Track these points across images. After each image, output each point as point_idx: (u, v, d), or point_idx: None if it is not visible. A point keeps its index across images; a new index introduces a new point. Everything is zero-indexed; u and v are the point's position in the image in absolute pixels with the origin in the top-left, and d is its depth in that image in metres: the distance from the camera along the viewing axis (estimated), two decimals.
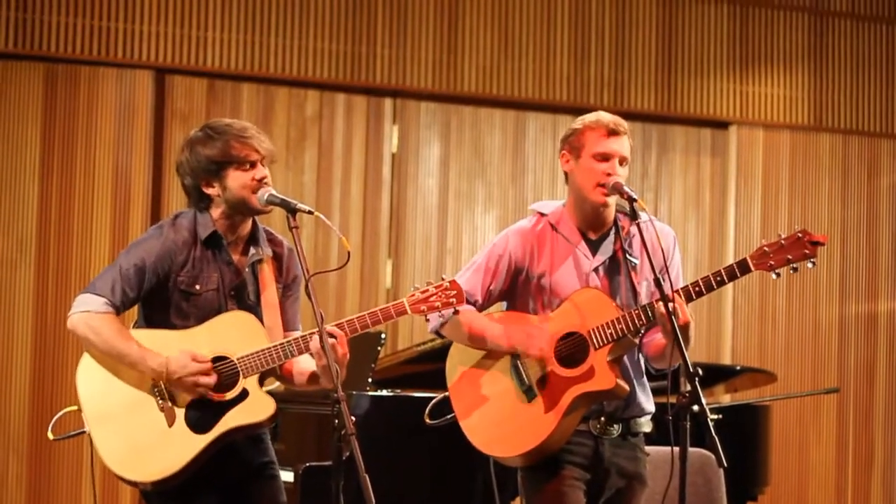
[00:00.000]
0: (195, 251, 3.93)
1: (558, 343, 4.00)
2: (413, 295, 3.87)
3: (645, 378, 4.18)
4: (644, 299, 4.04)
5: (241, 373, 3.85)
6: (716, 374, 6.94)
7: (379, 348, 5.98)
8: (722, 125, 8.80)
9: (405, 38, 8.10)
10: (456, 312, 3.96)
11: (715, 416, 6.05)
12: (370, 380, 5.88)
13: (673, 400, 3.76)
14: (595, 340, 3.96)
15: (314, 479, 5.41)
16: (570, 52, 8.42)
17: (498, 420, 4.05)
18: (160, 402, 3.83)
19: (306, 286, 3.70)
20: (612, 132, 4.06)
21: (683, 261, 4.28)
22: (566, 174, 4.14)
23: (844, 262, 8.94)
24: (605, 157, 4.04)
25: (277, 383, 4.21)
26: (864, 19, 9.02)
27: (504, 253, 4.13)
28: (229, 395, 3.84)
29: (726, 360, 8.62)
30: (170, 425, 3.82)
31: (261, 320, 3.94)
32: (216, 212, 3.95)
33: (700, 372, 3.71)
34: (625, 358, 4.06)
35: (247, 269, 3.98)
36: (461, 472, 5.58)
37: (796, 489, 8.71)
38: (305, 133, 8.03)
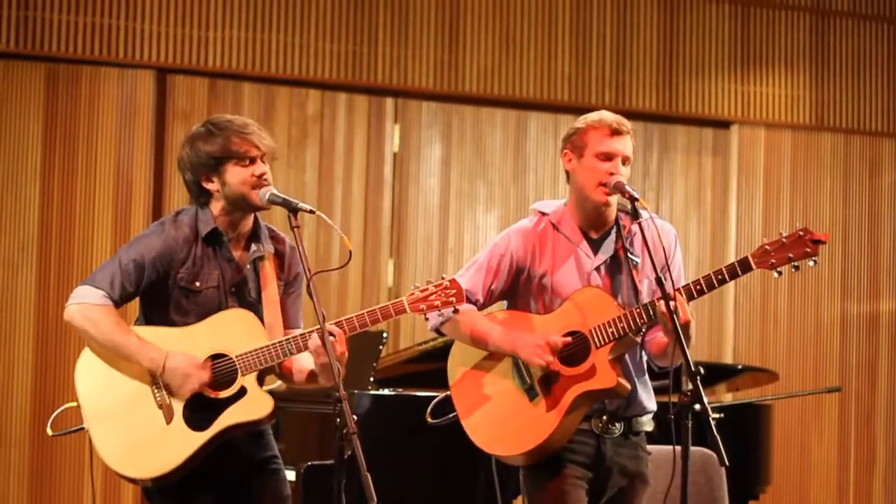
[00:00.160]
0: (196, 248, 3.93)
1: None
2: (413, 294, 3.87)
3: (646, 376, 4.18)
4: (645, 298, 4.04)
5: (239, 370, 3.85)
6: (717, 373, 6.94)
7: (380, 347, 5.98)
8: (723, 125, 8.79)
9: (407, 38, 8.11)
10: (456, 311, 3.96)
11: (716, 415, 6.05)
12: (372, 379, 5.88)
13: (675, 399, 3.76)
14: (596, 339, 3.96)
15: (316, 478, 5.41)
16: (572, 52, 8.42)
17: (500, 419, 4.06)
18: (159, 398, 3.83)
19: (308, 285, 3.70)
20: (616, 132, 4.05)
21: (685, 260, 4.28)
22: (568, 173, 4.14)
23: (846, 261, 8.94)
24: (607, 157, 4.04)
25: (279, 382, 4.21)
26: (866, 19, 9.02)
27: (506, 252, 4.13)
28: (227, 393, 3.84)
29: (728, 359, 8.62)
30: (168, 422, 3.82)
31: (261, 318, 3.94)
32: (216, 208, 3.95)
33: (701, 371, 3.71)
34: (626, 356, 4.06)
35: (248, 266, 3.98)
36: (463, 471, 5.58)
37: (798, 488, 8.71)
38: (307, 132, 8.03)
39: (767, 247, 3.90)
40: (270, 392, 3.92)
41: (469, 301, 4.10)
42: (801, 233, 3.89)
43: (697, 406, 3.68)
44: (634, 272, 4.07)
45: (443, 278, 3.89)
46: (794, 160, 8.87)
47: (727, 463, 3.66)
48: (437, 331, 4.17)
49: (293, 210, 3.82)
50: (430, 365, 5.89)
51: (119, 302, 3.87)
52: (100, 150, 7.56)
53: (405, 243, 8.19)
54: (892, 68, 9.05)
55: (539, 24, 8.35)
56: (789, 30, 8.85)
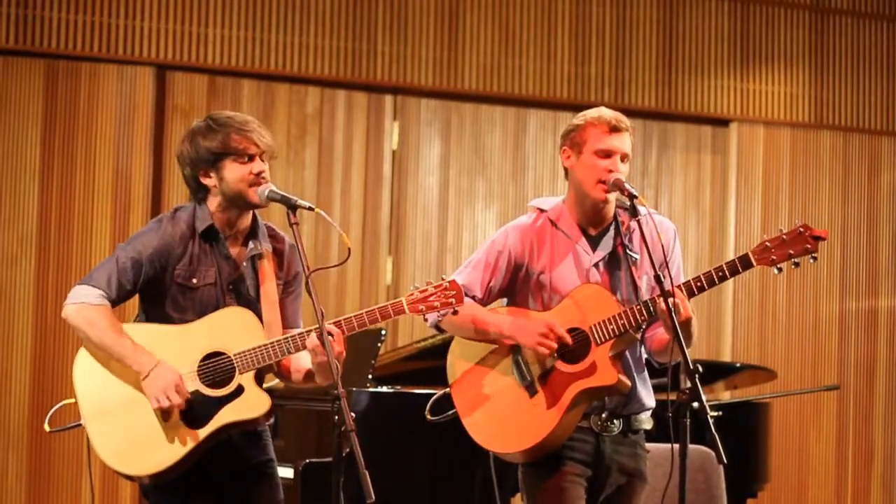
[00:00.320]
0: (193, 245, 3.93)
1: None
2: (412, 294, 3.86)
3: (646, 373, 4.18)
4: (644, 294, 4.04)
5: (237, 368, 3.85)
6: (716, 371, 6.94)
7: (379, 344, 5.98)
8: (722, 122, 8.80)
9: (406, 35, 8.10)
10: (455, 313, 3.95)
11: (715, 413, 6.05)
12: (370, 376, 5.88)
13: (673, 397, 3.76)
14: (597, 336, 3.96)
15: (314, 475, 5.41)
16: (571, 50, 8.42)
17: (499, 416, 4.05)
18: None
19: (306, 282, 3.70)
20: (614, 129, 4.05)
21: (684, 259, 4.28)
22: (567, 170, 4.13)
23: (845, 259, 8.94)
24: (606, 154, 4.04)
25: (277, 380, 4.20)
26: (865, 16, 9.02)
27: (504, 249, 4.12)
28: (224, 391, 3.84)
29: (726, 356, 8.62)
30: (165, 420, 3.82)
31: (260, 316, 3.93)
32: (213, 204, 3.95)
33: (700, 369, 3.71)
34: (626, 353, 4.06)
35: (245, 264, 3.98)
36: (461, 468, 5.58)
37: (796, 486, 8.72)
38: (306, 130, 8.03)
39: (768, 243, 3.90)
40: (269, 390, 3.92)
41: (467, 298, 4.10)
42: (802, 229, 3.89)
43: (696, 404, 3.68)
44: (633, 269, 4.07)
45: (442, 279, 3.89)
46: (793, 158, 8.87)
47: (725, 461, 3.65)
48: (437, 327, 4.16)
49: (292, 207, 3.81)
50: (429, 362, 5.90)
51: (117, 301, 3.86)
52: (99, 147, 7.56)
53: (404, 241, 8.19)
54: (891, 66, 9.05)
55: (538, 22, 8.35)
56: (788, 28, 8.86)
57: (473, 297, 4.11)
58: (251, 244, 3.99)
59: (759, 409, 6.65)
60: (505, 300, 4.23)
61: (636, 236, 4.09)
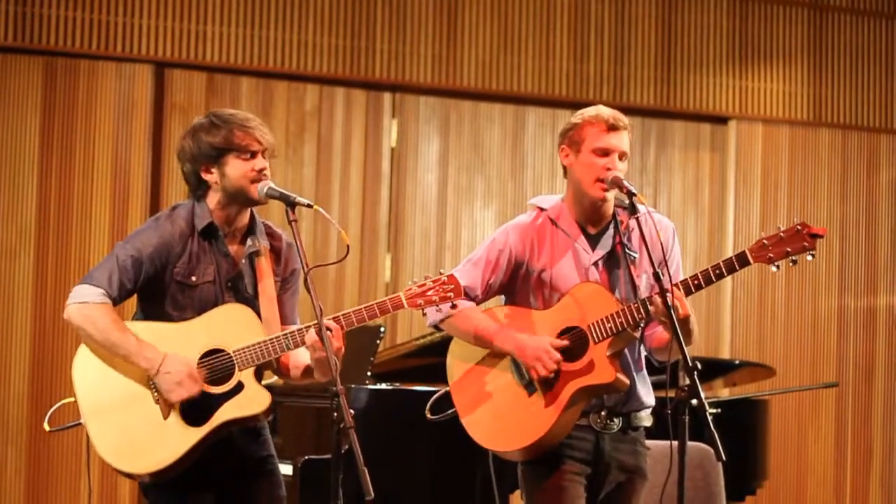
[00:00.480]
0: (192, 243, 3.93)
1: (559, 337, 4.00)
2: (410, 289, 3.87)
3: (645, 371, 4.18)
4: (643, 293, 4.04)
5: (236, 365, 3.85)
6: (714, 369, 6.94)
7: (378, 342, 5.98)
8: (721, 120, 8.80)
9: (405, 33, 8.10)
10: (454, 307, 3.96)
11: (714, 411, 6.05)
12: (369, 373, 5.89)
13: (672, 394, 3.76)
14: (595, 334, 3.96)
15: (313, 472, 5.41)
16: (570, 47, 8.42)
17: (498, 415, 4.06)
18: (156, 394, 3.83)
19: (305, 279, 3.70)
20: (612, 127, 4.05)
21: (682, 256, 4.28)
22: (565, 168, 4.14)
23: (843, 256, 8.94)
24: (604, 152, 4.04)
25: (276, 377, 4.21)
26: (863, 14, 9.02)
27: (504, 247, 4.13)
28: (224, 388, 3.84)
29: (725, 354, 8.63)
30: (165, 418, 3.82)
31: (258, 313, 3.94)
32: (213, 201, 3.95)
33: (699, 366, 3.71)
34: (625, 351, 4.07)
35: (243, 261, 3.98)
36: (460, 465, 5.58)
37: (795, 483, 8.72)
38: (304, 127, 8.03)
39: (765, 241, 3.90)
40: (268, 387, 3.92)
41: (467, 296, 4.09)
42: (799, 227, 3.89)
43: (694, 401, 3.68)
44: (632, 267, 4.07)
45: (440, 273, 3.89)
46: (791, 156, 8.87)
47: (724, 458, 3.65)
48: (436, 327, 4.17)
49: (291, 204, 3.82)
50: (428, 360, 5.90)
51: (117, 299, 3.86)
52: (98, 144, 7.56)
53: (403, 238, 8.19)
54: (890, 64, 9.05)
55: (537, 19, 8.35)
56: (787, 25, 8.86)
57: (474, 297, 4.12)
58: (249, 241, 4.00)
59: (758, 406, 6.65)
60: (503, 298, 4.24)
61: (635, 235, 4.10)
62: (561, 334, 4.00)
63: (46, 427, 4.02)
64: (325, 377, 3.83)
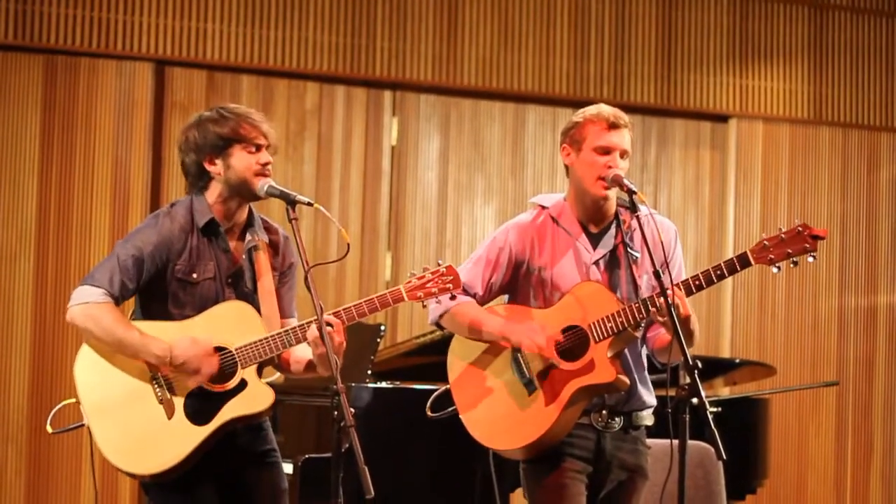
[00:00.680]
0: (192, 239, 3.92)
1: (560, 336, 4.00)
2: (410, 282, 3.87)
3: (646, 371, 4.18)
4: (645, 293, 4.04)
5: (239, 363, 3.85)
6: (715, 367, 6.95)
7: (378, 340, 5.98)
8: (721, 118, 8.79)
9: (405, 31, 8.10)
10: (453, 298, 3.96)
11: (714, 409, 6.06)
12: (369, 372, 5.88)
13: (672, 393, 3.76)
14: (595, 334, 3.96)
15: (313, 470, 5.41)
16: (570, 45, 8.41)
17: (499, 413, 4.06)
18: (159, 393, 3.83)
19: (306, 278, 3.70)
20: (613, 125, 4.05)
21: (683, 254, 4.28)
22: (567, 167, 4.14)
23: (844, 255, 8.94)
24: (605, 151, 4.04)
25: (278, 374, 4.21)
26: (863, 12, 9.02)
27: (505, 245, 4.13)
28: (228, 386, 3.84)
29: (725, 353, 8.62)
30: (169, 417, 3.82)
31: (258, 308, 3.93)
32: (213, 194, 3.94)
33: (699, 365, 3.71)
34: (626, 351, 4.07)
35: (243, 257, 3.98)
36: (460, 464, 5.58)
37: (795, 482, 8.72)
38: (305, 125, 8.03)
39: (766, 242, 3.90)
40: (269, 384, 3.92)
41: (468, 294, 4.11)
42: (800, 228, 3.89)
43: (695, 400, 3.68)
44: (634, 267, 4.07)
45: (439, 264, 3.90)
46: (792, 154, 8.87)
47: (724, 457, 3.65)
48: (437, 324, 4.17)
49: (291, 202, 3.82)
50: (428, 358, 5.90)
51: (119, 299, 3.85)
52: (98, 142, 7.56)
53: (403, 236, 8.19)
54: (890, 62, 9.05)
55: (538, 17, 8.35)
56: (787, 24, 8.85)
57: (475, 295, 4.12)
58: (248, 236, 4.00)
59: (759, 405, 6.65)
60: (506, 297, 4.24)
61: (637, 235, 4.09)
62: (562, 333, 4.00)
63: (49, 429, 4.02)
64: (327, 372, 3.82)
